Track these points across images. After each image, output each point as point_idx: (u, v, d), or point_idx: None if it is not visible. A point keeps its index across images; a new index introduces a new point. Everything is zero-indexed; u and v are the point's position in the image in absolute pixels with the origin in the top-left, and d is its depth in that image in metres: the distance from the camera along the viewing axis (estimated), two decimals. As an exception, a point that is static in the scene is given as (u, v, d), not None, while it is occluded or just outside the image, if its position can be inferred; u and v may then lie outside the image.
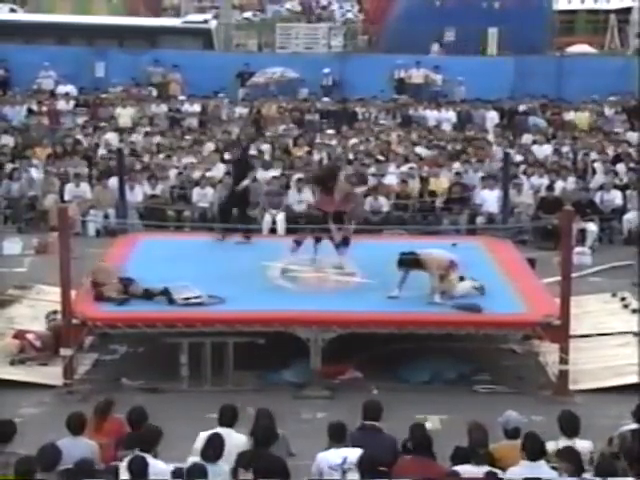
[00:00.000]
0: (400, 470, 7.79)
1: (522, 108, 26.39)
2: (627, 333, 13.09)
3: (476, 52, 30.45)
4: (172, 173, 20.54)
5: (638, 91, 25.51)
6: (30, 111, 25.43)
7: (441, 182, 20.01)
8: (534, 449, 7.71)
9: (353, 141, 23.07)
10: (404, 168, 20.57)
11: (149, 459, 7.56)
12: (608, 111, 26.25)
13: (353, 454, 7.78)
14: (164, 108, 26.25)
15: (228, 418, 8.42)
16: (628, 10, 35.82)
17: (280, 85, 28.17)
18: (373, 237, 16.36)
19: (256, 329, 11.78)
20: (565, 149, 22.56)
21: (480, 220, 18.64)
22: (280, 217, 18.53)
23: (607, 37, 35.82)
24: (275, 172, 20.11)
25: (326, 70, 28.60)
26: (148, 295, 12.26)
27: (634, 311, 13.86)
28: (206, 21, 32.43)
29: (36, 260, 16.95)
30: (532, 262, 14.67)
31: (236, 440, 8.18)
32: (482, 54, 30.71)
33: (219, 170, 20.42)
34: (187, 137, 23.46)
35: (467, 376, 12.15)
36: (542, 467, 7.64)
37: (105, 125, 24.20)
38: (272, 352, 11.93)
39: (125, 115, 25.41)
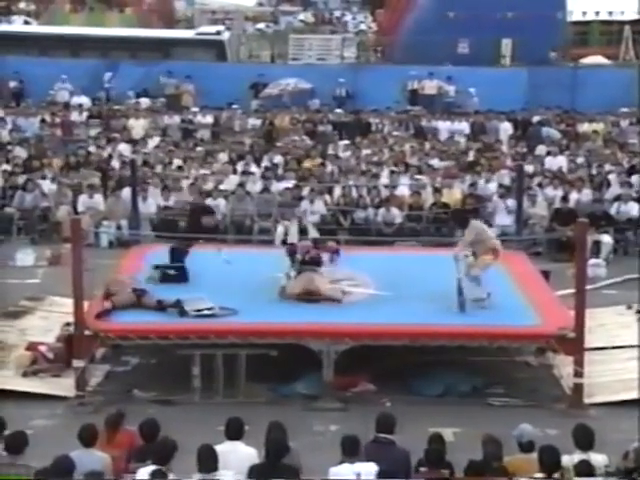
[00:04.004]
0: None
1: (536, 119, 26.32)
2: (642, 346, 13.00)
3: (489, 63, 30.41)
4: (185, 184, 20.53)
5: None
6: (43, 122, 25.49)
7: (454, 193, 19.93)
8: (551, 462, 7.64)
9: (366, 152, 23.04)
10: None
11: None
12: (623, 122, 26.16)
13: (366, 469, 7.70)
14: (177, 119, 26.28)
15: (235, 431, 8.35)
16: (643, 21, 35.71)
17: (293, 96, 28.19)
18: (386, 248, 16.28)
19: (268, 341, 11.73)
20: (580, 160, 22.47)
21: (494, 232, 18.52)
22: (293, 229, 18.46)
23: (621, 48, 35.71)
24: (288, 183, 20.09)
25: (341, 80, 28.61)
26: (161, 307, 12.24)
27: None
28: (219, 32, 32.55)
29: (49, 271, 16.92)
30: (546, 274, 14.60)
31: (244, 453, 8.13)
32: (495, 65, 30.71)
33: (232, 182, 20.42)
34: (200, 148, 23.47)
35: (481, 389, 12.08)
36: (557, 481, 7.59)
37: (118, 136, 24.23)
38: (284, 364, 11.87)
39: (137, 126, 25.45)
